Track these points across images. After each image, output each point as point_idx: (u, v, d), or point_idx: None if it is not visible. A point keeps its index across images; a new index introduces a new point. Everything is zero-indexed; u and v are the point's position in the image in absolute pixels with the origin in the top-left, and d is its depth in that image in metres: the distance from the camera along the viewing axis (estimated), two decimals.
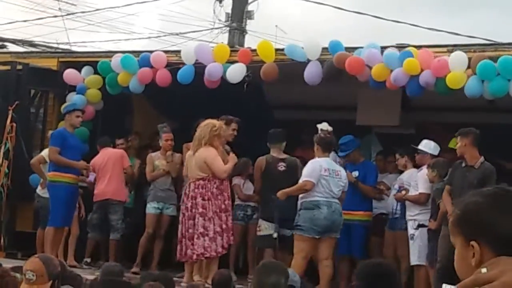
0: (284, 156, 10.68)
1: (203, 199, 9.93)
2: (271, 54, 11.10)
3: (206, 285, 9.37)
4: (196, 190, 9.97)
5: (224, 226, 9.96)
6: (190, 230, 9.93)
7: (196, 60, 11.44)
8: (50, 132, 11.74)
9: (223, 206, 10.00)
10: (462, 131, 9.36)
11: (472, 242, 2.22)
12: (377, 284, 3.87)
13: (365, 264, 4.21)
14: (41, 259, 4.98)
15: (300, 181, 9.90)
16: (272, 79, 11.08)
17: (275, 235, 10.14)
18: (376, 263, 4.23)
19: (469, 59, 9.72)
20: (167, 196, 11.68)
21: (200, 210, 9.92)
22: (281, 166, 10.55)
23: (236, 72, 11.17)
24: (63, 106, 11.86)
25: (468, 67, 9.68)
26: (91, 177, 11.51)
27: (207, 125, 10.01)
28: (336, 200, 9.86)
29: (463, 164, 9.32)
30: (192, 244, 9.94)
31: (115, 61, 11.97)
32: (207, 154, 9.97)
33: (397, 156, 10.97)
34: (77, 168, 11.09)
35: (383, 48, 10.68)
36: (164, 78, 11.70)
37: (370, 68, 10.16)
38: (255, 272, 5.57)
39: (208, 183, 10.00)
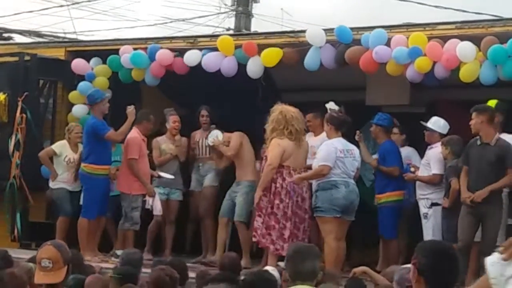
0: None
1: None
2: (277, 55, 11.02)
3: None
4: (305, 182, 10.05)
5: None
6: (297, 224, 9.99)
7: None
8: (73, 125, 11.75)
9: None
10: (479, 108, 9.26)
11: None
12: (441, 261, 3.87)
13: (429, 242, 4.19)
14: (55, 246, 4.99)
15: (315, 165, 9.87)
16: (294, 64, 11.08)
17: None
18: (439, 241, 4.24)
19: (478, 37, 9.71)
20: (173, 181, 11.64)
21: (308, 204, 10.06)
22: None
23: (256, 68, 11.12)
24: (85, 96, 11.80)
25: (478, 48, 9.68)
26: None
27: (300, 114, 10.02)
28: (352, 180, 9.83)
29: (478, 142, 9.25)
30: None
31: (125, 57, 11.96)
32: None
33: (396, 130, 10.96)
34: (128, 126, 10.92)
35: (391, 28, 10.66)
36: (181, 67, 11.70)
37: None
38: (288, 259, 5.44)
39: None
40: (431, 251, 3.95)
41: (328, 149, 9.80)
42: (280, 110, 10.00)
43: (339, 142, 9.88)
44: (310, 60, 10.72)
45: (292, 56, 10.95)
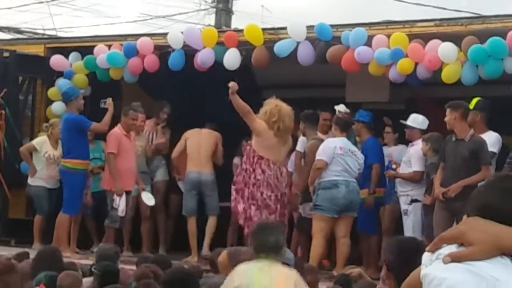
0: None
1: None
2: (259, 37, 11.07)
3: None
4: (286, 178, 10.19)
5: None
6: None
7: (184, 43, 11.42)
8: (57, 121, 11.65)
9: None
10: (452, 104, 9.32)
11: (464, 216, 2.59)
12: (407, 256, 3.87)
13: (395, 238, 4.22)
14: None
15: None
16: (263, 64, 11.09)
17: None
18: (406, 238, 4.25)
19: (457, 35, 9.77)
20: (144, 178, 11.64)
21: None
22: None
23: (233, 59, 11.13)
24: (57, 93, 11.84)
25: (459, 48, 9.73)
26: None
27: (292, 113, 10.07)
28: (354, 180, 9.93)
29: (453, 138, 9.30)
30: None
31: (101, 58, 11.92)
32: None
33: (388, 129, 10.99)
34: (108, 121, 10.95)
35: (370, 25, 10.69)
36: (152, 64, 11.66)
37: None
38: (252, 234, 5.69)
39: None
40: (397, 247, 3.99)
41: (324, 146, 9.97)
42: (276, 103, 10.09)
43: (341, 141, 10.02)
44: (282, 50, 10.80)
45: (262, 57, 11.00)
